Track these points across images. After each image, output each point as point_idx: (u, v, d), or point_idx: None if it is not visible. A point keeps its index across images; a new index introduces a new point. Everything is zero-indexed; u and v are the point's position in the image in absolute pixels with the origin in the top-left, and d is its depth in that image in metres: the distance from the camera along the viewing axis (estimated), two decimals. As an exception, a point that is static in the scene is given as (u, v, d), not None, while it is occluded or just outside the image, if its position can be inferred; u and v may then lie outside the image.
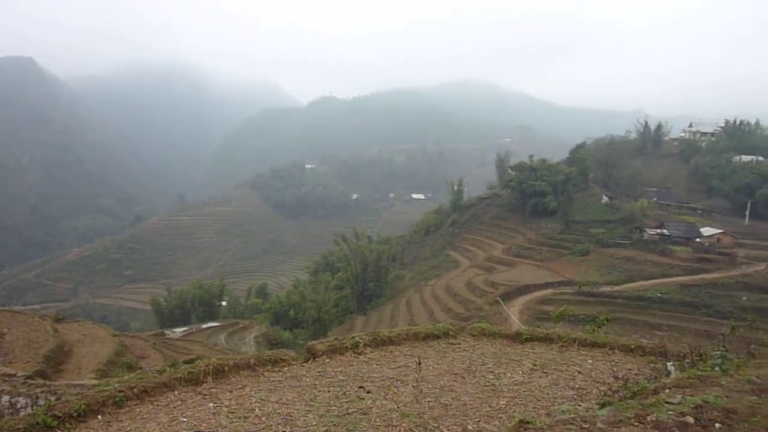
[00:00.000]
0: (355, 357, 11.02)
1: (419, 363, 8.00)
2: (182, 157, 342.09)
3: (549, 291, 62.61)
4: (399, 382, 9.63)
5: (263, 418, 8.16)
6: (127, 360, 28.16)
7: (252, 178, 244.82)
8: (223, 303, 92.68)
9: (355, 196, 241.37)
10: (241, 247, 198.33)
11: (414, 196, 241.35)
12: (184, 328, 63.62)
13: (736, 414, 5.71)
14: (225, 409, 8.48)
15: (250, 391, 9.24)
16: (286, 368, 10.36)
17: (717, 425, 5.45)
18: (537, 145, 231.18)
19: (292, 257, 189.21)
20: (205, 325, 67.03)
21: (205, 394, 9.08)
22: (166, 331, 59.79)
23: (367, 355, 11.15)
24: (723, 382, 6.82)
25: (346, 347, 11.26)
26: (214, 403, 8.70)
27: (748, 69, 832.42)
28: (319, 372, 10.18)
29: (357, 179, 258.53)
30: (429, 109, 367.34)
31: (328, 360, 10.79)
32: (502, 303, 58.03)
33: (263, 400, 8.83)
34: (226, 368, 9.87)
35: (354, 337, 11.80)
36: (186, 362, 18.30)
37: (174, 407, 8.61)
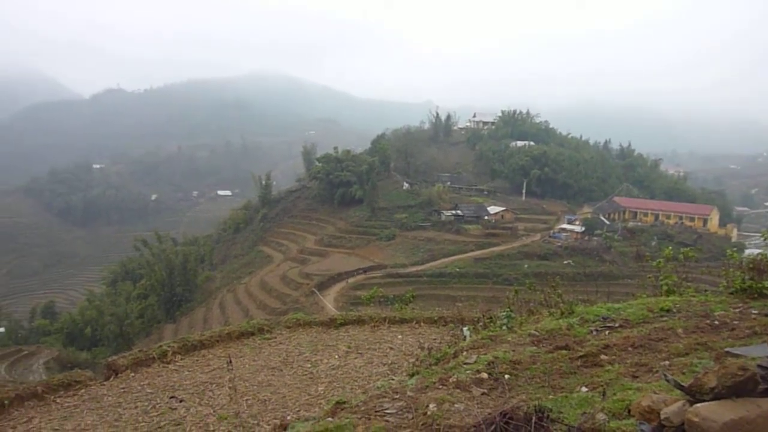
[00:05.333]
0: (163, 367, 10.37)
1: (230, 362, 7.83)
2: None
3: (361, 276, 65.24)
4: (214, 385, 9.30)
5: (57, 450, 7.31)
6: None
7: (26, 183, 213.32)
8: (1, 329, 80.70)
9: (154, 197, 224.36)
10: (17, 263, 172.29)
11: (220, 192, 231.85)
12: (-51, 366, 54.17)
13: (521, 364, 6.55)
14: None
15: (39, 422, 8.18)
16: (82, 390, 9.37)
17: (506, 376, 6.19)
18: (341, 136, 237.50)
19: (83, 269, 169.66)
20: (-23, 358, 57.88)
21: None
22: None
23: (177, 363, 10.56)
24: (509, 338, 7.77)
25: (153, 358, 10.54)
26: None
27: (512, 69, 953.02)
28: (122, 389, 9.38)
29: (155, 178, 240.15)
30: (229, 102, 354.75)
31: (132, 374, 10.00)
32: (317, 293, 59.05)
33: (56, 430, 7.90)
34: (5, 402, 8.60)
35: (161, 346, 11.08)
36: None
37: None
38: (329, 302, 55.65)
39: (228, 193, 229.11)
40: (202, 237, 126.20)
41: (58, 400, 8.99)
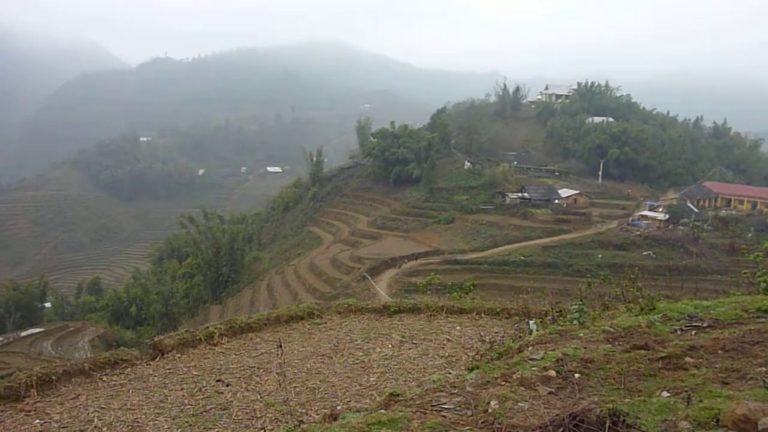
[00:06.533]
0: (210, 349, 10.76)
1: (280, 346, 8.05)
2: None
3: (416, 262, 65.46)
4: (261, 370, 9.59)
5: (104, 429, 7.74)
6: None
7: (74, 155, 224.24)
8: (47, 304, 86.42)
9: (201, 172, 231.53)
10: (64, 237, 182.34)
11: (269, 169, 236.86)
12: (-2, 338, 58.47)
13: (593, 363, 6.43)
14: (56, 425, 7.92)
15: (86, 400, 8.68)
16: (129, 369, 9.86)
17: (576, 375, 6.09)
18: (398, 110, 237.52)
19: (129, 245, 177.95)
20: (25, 333, 62.36)
21: (29, 410, 8.38)
22: (-27, 345, 54.45)
23: (224, 346, 10.94)
24: (581, 334, 7.63)
25: (200, 339, 10.95)
26: (42, 420, 8.10)
27: (592, 33, 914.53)
28: (168, 369, 9.81)
29: (203, 152, 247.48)
30: (280, 73, 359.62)
31: (179, 355, 10.43)
32: (369, 278, 59.69)
33: (103, 408, 8.35)
34: (53, 377, 9.16)
35: (208, 327, 11.49)
36: (1, 377, 16.62)
37: None
38: (382, 288, 56.16)
39: (278, 169, 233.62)
40: (250, 215, 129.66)
41: (104, 378, 9.49)
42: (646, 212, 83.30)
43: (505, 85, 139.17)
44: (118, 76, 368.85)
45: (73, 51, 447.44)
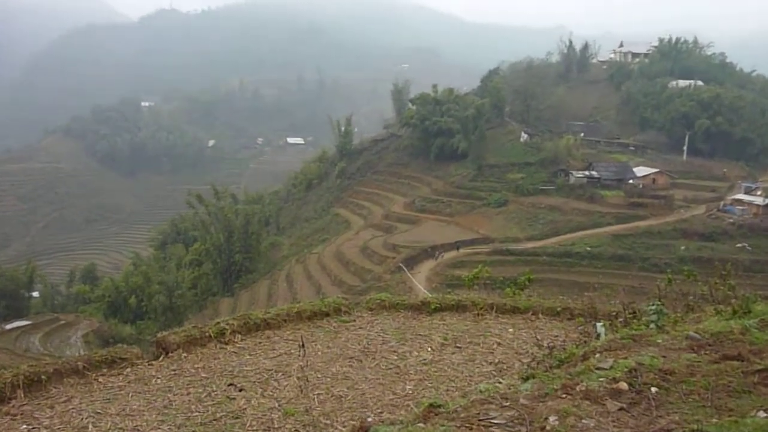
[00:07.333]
0: (221, 348, 10.92)
1: (303, 346, 8.12)
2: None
3: (457, 252, 65.38)
4: (280, 373, 9.70)
5: (100, 437, 7.93)
6: None
7: (67, 122, 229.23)
8: (35, 294, 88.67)
9: (211, 143, 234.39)
10: (55, 216, 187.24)
11: (290, 140, 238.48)
12: (-20, 332, 60.43)
13: (674, 375, 6.35)
14: (45, 431, 8.13)
15: (80, 403, 8.89)
16: (128, 370, 10.06)
17: (653, 389, 6.02)
18: (442, 71, 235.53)
19: (128, 227, 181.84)
20: (10, 325, 64.14)
21: (15, 414, 8.62)
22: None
23: (237, 345, 11.08)
24: (659, 341, 7.54)
25: (209, 337, 11.10)
26: (29, 425, 8.30)
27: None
28: (173, 371, 9.98)
29: (213, 120, 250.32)
30: (302, 27, 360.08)
31: (185, 354, 10.60)
32: (405, 269, 59.80)
33: (99, 413, 8.54)
34: (43, 377, 9.39)
35: (219, 323, 11.66)
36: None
37: None
38: (420, 282, 56.27)
39: (299, 140, 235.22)
40: (267, 194, 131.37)
41: (100, 379, 9.70)
42: (741, 196, 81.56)
43: (570, 42, 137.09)
44: (116, 31, 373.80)
45: (64, 2, 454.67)
